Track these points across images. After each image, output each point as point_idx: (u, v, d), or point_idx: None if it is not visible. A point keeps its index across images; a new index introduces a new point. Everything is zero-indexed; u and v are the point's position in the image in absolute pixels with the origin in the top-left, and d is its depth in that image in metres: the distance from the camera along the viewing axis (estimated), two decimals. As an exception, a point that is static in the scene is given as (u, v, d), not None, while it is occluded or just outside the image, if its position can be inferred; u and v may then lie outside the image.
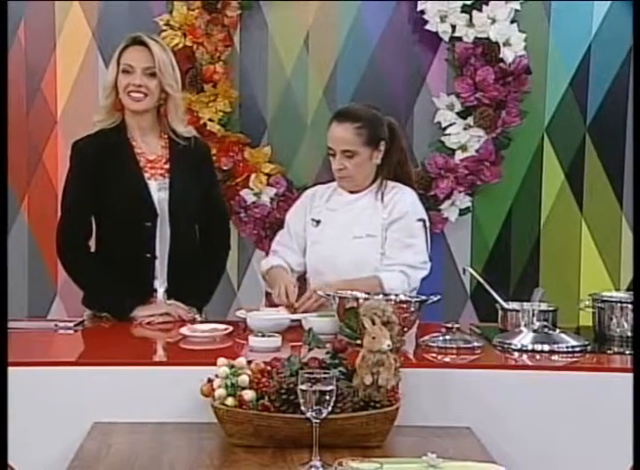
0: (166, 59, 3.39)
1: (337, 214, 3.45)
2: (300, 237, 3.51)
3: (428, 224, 3.49)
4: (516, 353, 2.92)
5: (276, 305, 3.34)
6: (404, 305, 2.94)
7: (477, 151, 4.51)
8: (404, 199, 3.41)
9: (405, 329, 2.86)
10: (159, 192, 3.42)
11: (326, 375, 2.25)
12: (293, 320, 3.17)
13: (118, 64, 3.37)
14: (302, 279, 3.53)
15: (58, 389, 2.65)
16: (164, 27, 4.41)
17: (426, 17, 4.46)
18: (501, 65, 4.46)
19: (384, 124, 3.42)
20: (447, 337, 2.93)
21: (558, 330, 3.02)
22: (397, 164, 3.45)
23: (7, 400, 2.49)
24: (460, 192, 4.54)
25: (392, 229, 3.39)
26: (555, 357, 2.90)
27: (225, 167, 4.45)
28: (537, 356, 2.89)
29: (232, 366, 2.51)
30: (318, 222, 3.47)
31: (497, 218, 4.64)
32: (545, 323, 3.02)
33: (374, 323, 2.47)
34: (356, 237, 3.39)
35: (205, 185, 3.53)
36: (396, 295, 3.07)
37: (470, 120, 4.51)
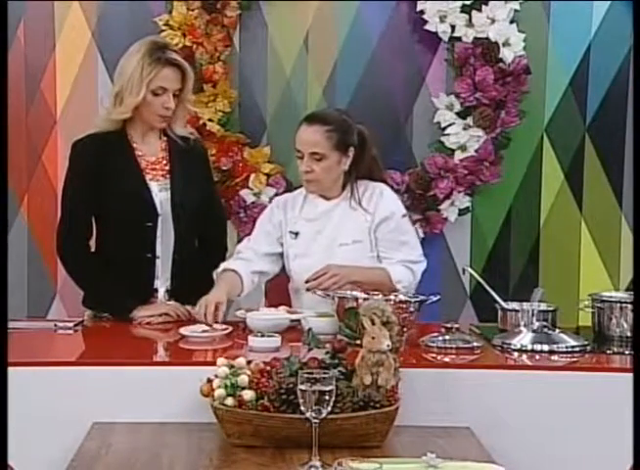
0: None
1: (316, 225, 3.43)
2: (274, 245, 3.47)
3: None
4: (515, 353, 2.92)
5: (276, 306, 3.35)
6: (404, 305, 2.94)
7: (476, 151, 4.51)
8: (383, 198, 3.41)
9: (405, 329, 2.86)
10: (160, 193, 3.42)
11: (325, 375, 2.25)
12: (292, 320, 3.17)
13: (148, 85, 3.31)
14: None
15: (57, 389, 2.66)
16: (164, 27, 4.41)
17: (425, 17, 4.46)
18: (500, 65, 4.46)
19: (354, 131, 3.39)
20: (447, 337, 2.93)
21: (557, 330, 3.02)
22: (368, 170, 3.43)
23: (7, 401, 2.49)
24: (459, 192, 4.54)
25: (382, 231, 3.38)
26: (554, 357, 2.90)
27: (225, 167, 4.45)
28: (537, 356, 2.90)
29: (231, 366, 2.51)
30: (297, 234, 3.45)
31: (497, 218, 4.64)
32: (545, 323, 3.03)
33: (373, 323, 2.47)
34: (342, 244, 3.38)
35: (204, 185, 3.54)
36: (396, 295, 3.07)
37: (469, 120, 4.51)
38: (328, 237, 3.41)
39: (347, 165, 3.39)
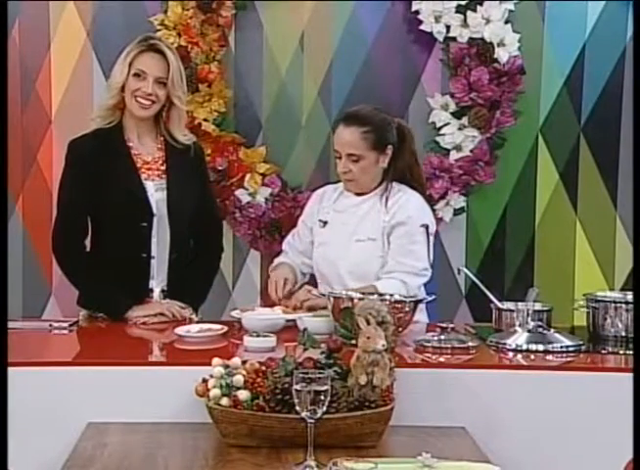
0: (179, 70, 3.39)
1: (343, 216, 3.43)
2: (307, 237, 3.51)
3: (432, 230, 3.43)
4: (510, 353, 2.92)
5: (271, 306, 3.35)
6: (399, 306, 2.94)
7: (471, 151, 4.52)
8: (408, 203, 3.37)
9: (400, 329, 2.86)
10: (155, 192, 3.42)
11: (321, 375, 2.25)
12: (288, 320, 3.17)
13: (130, 66, 3.33)
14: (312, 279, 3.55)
15: (52, 389, 2.65)
16: (159, 27, 4.41)
17: (420, 17, 4.46)
18: (495, 65, 4.46)
19: (392, 128, 3.38)
20: (442, 337, 2.93)
21: (552, 330, 3.02)
22: (407, 167, 3.42)
23: (7, 403, 2.49)
24: (455, 192, 4.54)
25: (395, 235, 3.34)
26: (549, 357, 2.90)
27: (220, 167, 4.45)
28: (532, 356, 2.90)
29: (227, 366, 2.51)
30: (325, 223, 3.46)
31: (492, 218, 4.65)
32: (539, 323, 3.03)
33: (369, 323, 2.47)
34: (359, 240, 3.37)
35: (200, 186, 3.54)
36: (391, 295, 3.07)
37: (464, 121, 4.51)
38: (349, 230, 3.40)
39: (386, 163, 3.38)
